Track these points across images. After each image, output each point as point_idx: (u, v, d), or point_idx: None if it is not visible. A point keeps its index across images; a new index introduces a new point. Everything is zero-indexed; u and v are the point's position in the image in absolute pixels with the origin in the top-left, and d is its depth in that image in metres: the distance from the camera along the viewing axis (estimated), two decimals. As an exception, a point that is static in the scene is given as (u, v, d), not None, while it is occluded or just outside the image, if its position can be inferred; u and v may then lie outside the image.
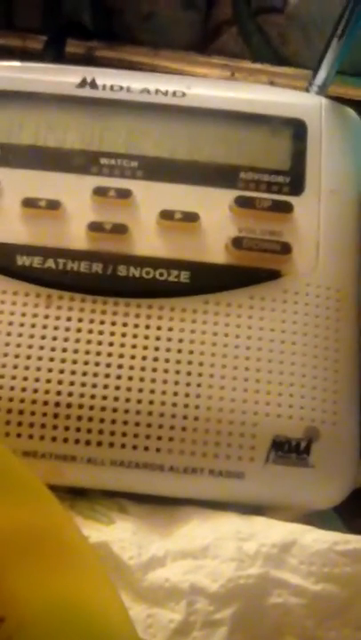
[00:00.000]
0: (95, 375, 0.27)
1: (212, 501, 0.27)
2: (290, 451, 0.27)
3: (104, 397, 0.27)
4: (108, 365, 0.28)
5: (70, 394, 0.27)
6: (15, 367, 0.27)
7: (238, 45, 0.40)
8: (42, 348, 0.28)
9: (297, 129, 0.31)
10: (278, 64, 0.39)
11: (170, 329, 0.28)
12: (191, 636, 0.23)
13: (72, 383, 0.27)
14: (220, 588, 0.24)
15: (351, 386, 0.29)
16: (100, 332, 0.28)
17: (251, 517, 0.27)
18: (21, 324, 0.28)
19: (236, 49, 0.40)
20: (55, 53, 0.39)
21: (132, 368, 0.28)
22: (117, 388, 0.27)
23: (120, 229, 0.29)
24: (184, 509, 0.27)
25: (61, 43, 0.39)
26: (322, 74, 0.33)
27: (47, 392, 0.27)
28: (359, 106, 0.34)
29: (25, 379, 0.27)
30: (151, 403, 0.27)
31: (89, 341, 0.28)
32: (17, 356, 0.28)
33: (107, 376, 0.27)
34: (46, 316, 0.28)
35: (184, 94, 0.32)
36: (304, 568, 0.24)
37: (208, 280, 0.29)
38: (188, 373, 0.28)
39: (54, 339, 0.28)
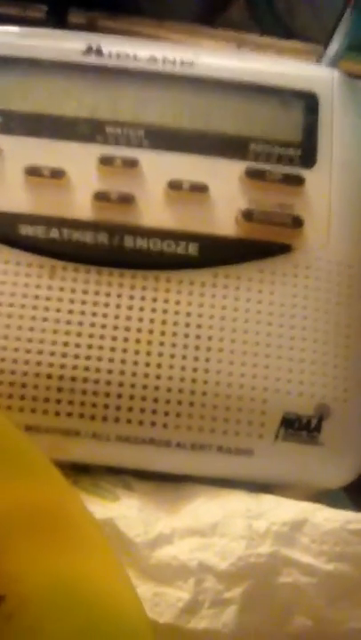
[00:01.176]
0: (100, 348, 0.27)
1: (219, 479, 0.27)
2: (300, 428, 0.27)
3: (109, 371, 0.26)
4: (114, 339, 0.27)
5: (75, 367, 0.26)
6: (18, 339, 0.27)
7: (246, 19, 0.39)
8: (45, 319, 0.27)
9: (309, 101, 0.31)
10: (286, 38, 0.38)
11: (177, 302, 0.27)
12: (199, 615, 0.23)
13: (76, 356, 0.27)
14: (229, 567, 0.23)
15: (362, 363, 0.28)
16: (106, 305, 0.27)
17: (260, 495, 0.26)
18: (24, 295, 0.27)
19: (243, 22, 0.39)
20: (57, 23, 0.38)
21: (138, 342, 0.27)
22: (123, 361, 0.27)
23: (127, 199, 0.28)
24: (190, 487, 0.27)
25: (63, 11, 0.38)
26: (334, 46, 0.32)
27: (51, 365, 0.26)
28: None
29: (28, 351, 0.26)
30: (158, 377, 0.27)
31: (94, 314, 0.27)
32: (19, 328, 0.27)
33: (112, 349, 0.27)
34: (50, 287, 0.27)
35: (192, 63, 0.31)
36: (315, 547, 0.24)
37: (217, 253, 0.28)
38: (197, 348, 0.27)
39: (58, 310, 0.27)
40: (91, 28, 0.39)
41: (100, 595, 0.20)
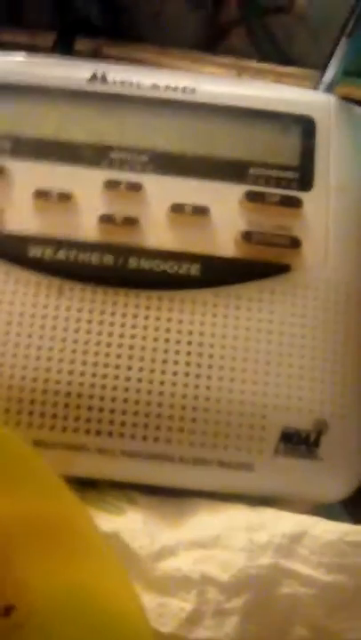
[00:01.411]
0: (106, 366, 0.27)
1: (220, 493, 0.27)
2: (299, 443, 0.27)
3: (114, 388, 0.27)
4: (119, 356, 0.28)
5: (81, 384, 0.27)
6: (26, 357, 0.27)
7: (245, 45, 0.40)
8: (53, 338, 0.28)
9: (306, 126, 0.32)
10: (284, 64, 0.39)
11: (180, 321, 0.28)
12: (202, 625, 0.23)
13: (83, 373, 0.27)
14: (230, 578, 0.24)
15: (360, 379, 0.29)
16: (111, 324, 0.28)
17: (260, 509, 0.27)
18: (32, 315, 0.28)
19: (243, 49, 0.40)
20: (64, 50, 0.39)
21: (142, 359, 0.28)
22: (128, 379, 0.27)
23: (131, 222, 0.29)
24: (193, 500, 0.27)
25: (71, 39, 0.39)
26: (330, 72, 0.33)
27: (58, 382, 0.27)
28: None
29: (36, 369, 0.27)
30: (161, 394, 0.27)
31: (99, 332, 0.28)
32: (28, 347, 0.28)
33: (117, 367, 0.27)
34: (57, 307, 0.28)
35: (194, 90, 0.32)
36: (315, 559, 0.25)
37: (218, 273, 0.29)
38: (198, 365, 0.28)
39: (65, 329, 0.28)
40: (96, 54, 0.40)
41: (107, 605, 0.20)
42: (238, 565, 0.24)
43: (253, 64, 0.39)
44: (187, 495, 0.28)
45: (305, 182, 0.31)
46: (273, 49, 0.39)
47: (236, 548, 0.25)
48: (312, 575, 0.24)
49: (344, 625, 0.24)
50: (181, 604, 0.24)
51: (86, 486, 0.28)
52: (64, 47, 0.39)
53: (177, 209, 0.29)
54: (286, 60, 0.39)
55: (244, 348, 0.28)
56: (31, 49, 0.40)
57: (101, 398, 0.27)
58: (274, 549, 0.25)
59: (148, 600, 0.24)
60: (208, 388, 0.27)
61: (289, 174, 0.31)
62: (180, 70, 0.39)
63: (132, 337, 0.28)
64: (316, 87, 0.34)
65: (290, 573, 0.24)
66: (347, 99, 0.34)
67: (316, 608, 0.24)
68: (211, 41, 0.41)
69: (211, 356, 0.28)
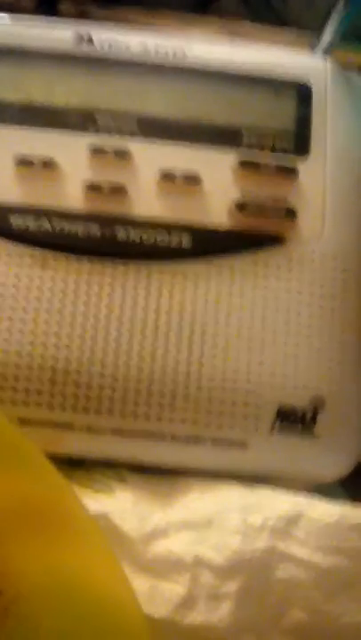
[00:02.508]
0: (93, 340, 0.26)
1: (213, 472, 0.26)
2: (295, 420, 0.26)
3: (103, 364, 0.26)
4: (107, 330, 0.26)
5: (67, 359, 0.26)
6: (9, 331, 0.26)
7: (238, 7, 0.39)
8: (37, 311, 0.26)
9: (302, 91, 0.30)
10: (279, 26, 0.38)
11: (170, 294, 0.27)
12: (195, 610, 0.23)
13: (69, 348, 0.26)
14: (225, 561, 0.23)
15: (357, 355, 0.28)
16: (98, 296, 0.27)
17: (254, 488, 0.26)
18: (15, 287, 0.27)
19: (235, 10, 0.39)
20: (47, 12, 0.37)
21: (131, 334, 0.26)
22: (116, 354, 0.26)
23: (118, 190, 0.28)
24: (185, 480, 0.26)
25: (54, 0, 0.38)
26: (327, 35, 0.32)
27: (43, 357, 0.26)
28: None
29: (19, 343, 0.26)
30: (152, 370, 0.26)
31: (86, 305, 0.27)
32: (10, 320, 0.26)
33: (105, 341, 0.26)
34: (41, 278, 0.27)
35: (185, 54, 0.30)
36: (312, 541, 0.24)
37: (210, 244, 0.28)
38: (190, 340, 0.27)
39: (50, 302, 0.27)
40: (81, 16, 0.38)
41: (96, 588, 0.19)
42: (233, 548, 0.23)
43: (246, 26, 0.38)
44: (179, 474, 0.27)
45: (300, 148, 0.29)
46: (267, 10, 0.38)
47: (230, 529, 0.24)
48: (309, 559, 0.23)
49: (342, 609, 0.23)
50: (174, 588, 0.23)
51: (73, 465, 0.27)
52: (47, 9, 0.37)
53: (167, 177, 0.28)
54: (281, 23, 0.38)
55: (238, 323, 0.27)
56: (13, 10, 0.38)
57: (89, 374, 0.26)
58: (269, 532, 0.24)
59: (139, 584, 0.23)
60: (201, 363, 0.26)
61: (284, 141, 0.29)
62: (169, 33, 0.37)
63: (121, 310, 0.27)
64: (311, 51, 0.32)
65: (286, 557, 0.23)
66: (344, 64, 0.33)
67: (313, 592, 0.23)
68: (202, 2, 0.40)
69: (203, 331, 0.27)
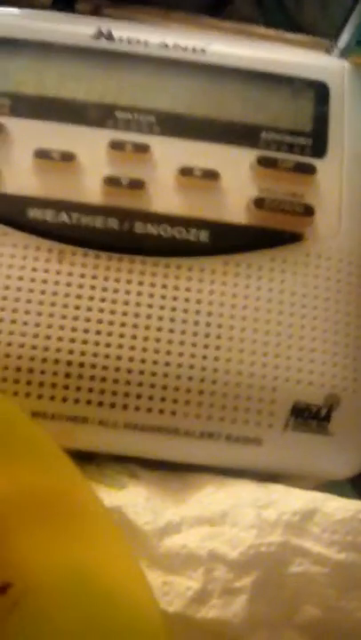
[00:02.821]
0: (109, 334, 0.26)
1: (226, 468, 0.26)
2: (309, 417, 0.26)
3: (118, 358, 0.26)
4: (123, 325, 0.26)
5: (83, 353, 0.26)
6: (25, 324, 0.26)
7: (253, 12, 0.39)
8: (53, 304, 0.26)
9: (320, 91, 0.30)
10: (293, 32, 0.38)
11: (188, 289, 0.27)
12: (209, 604, 0.23)
13: (85, 342, 0.26)
14: (239, 556, 0.23)
15: (372, 353, 0.28)
16: (115, 291, 0.27)
17: (268, 484, 0.26)
18: (32, 280, 0.27)
19: (250, 15, 0.39)
20: (64, 8, 0.37)
21: (147, 328, 0.26)
22: (132, 348, 0.26)
23: (137, 185, 0.28)
24: (197, 475, 0.26)
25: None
26: (345, 37, 0.32)
27: (58, 350, 0.26)
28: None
29: (35, 336, 0.26)
30: (167, 364, 0.26)
31: (103, 299, 0.27)
32: (27, 313, 0.26)
33: (121, 336, 0.26)
34: (58, 272, 0.27)
35: (204, 51, 0.31)
36: (326, 537, 0.24)
37: (228, 240, 0.28)
38: (206, 335, 0.27)
39: (66, 295, 0.26)
40: (97, 15, 0.38)
41: (110, 582, 0.19)
42: (247, 542, 0.23)
43: (261, 30, 0.38)
44: (191, 470, 0.27)
45: (318, 149, 0.29)
46: (282, 16, 0.38)
47: (244, 524, 0.24)
48: (324, 553, 0.23)
49: (356, 604, 0.23)
50: (188, 583, 0.23)
51: (85, 459, 0.27)
52: (63, 5, 0.37)
53: (186, 172, 0.28)
54: (294, 28, 0.38)
55: (254, 319, 0.27)
56: (29, 6, 0.38)
57: (104, 368, 0.26)
58: (284, 526, 0.24)
59: (153, 578, 0.23)
60: (216, 359, 0.26)
61: (302, 140, 0.29)
62: (185, 33, 0.37)
63: (137, 305, 0.27)
64: (330, 52, 0.32)
65: (301, 551, 0.23)
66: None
67: (327, 587, 0.23)
68: (217, 6, 0.40)
69: (219, 327, 0.27)
